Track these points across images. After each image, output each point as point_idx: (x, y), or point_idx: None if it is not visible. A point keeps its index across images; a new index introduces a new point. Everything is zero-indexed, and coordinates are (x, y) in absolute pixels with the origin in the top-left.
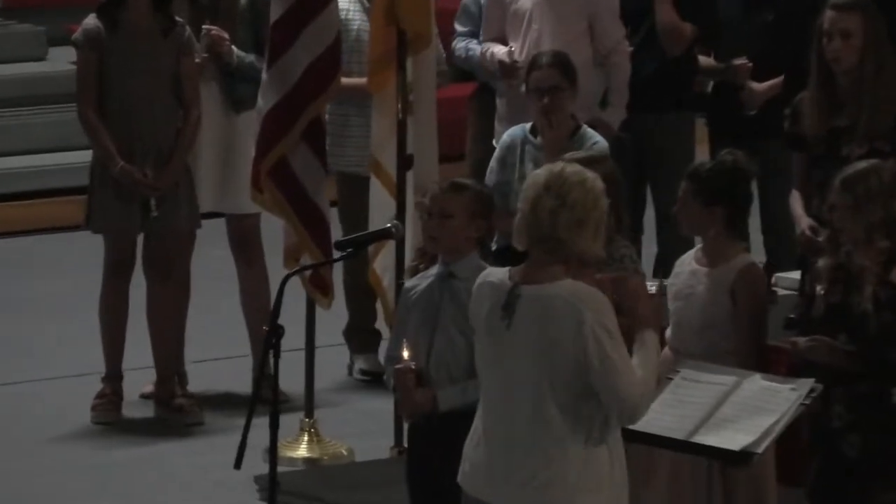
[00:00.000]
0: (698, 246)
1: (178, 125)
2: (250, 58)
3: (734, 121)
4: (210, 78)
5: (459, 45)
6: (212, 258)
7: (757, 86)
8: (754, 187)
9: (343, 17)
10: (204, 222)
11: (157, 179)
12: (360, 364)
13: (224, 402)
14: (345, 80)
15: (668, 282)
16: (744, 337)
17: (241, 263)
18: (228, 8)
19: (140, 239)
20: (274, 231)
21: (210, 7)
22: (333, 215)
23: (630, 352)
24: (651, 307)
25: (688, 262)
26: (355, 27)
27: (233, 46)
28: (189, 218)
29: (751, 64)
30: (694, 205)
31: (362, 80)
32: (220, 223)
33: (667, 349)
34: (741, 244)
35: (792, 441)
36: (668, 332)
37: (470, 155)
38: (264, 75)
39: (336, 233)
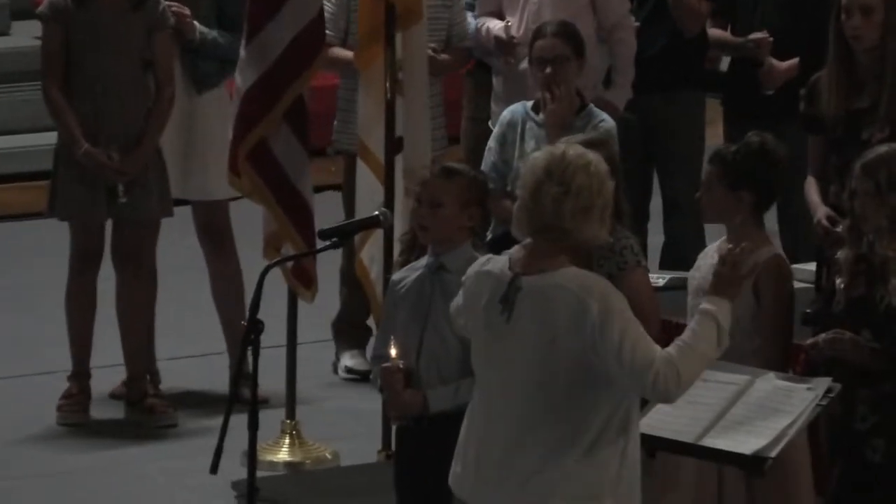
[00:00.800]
0: (723, 237)
1: (149, 105)
2: (213, 33)
3: (751, 101)
4: None
5: None
6: (182, 248)
7: (779, 64)
8: None
9: None
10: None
11: (124, 163)
12: (345, 361)
13: (199, 402)
14: (347, 53)
15: (688, 275)
16: (769, 336)
17: (210, 253)
18: None
19: (108, 227)
20: (253, 218)
21: None
22: (318, 201)
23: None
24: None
25: (710, 255)
26: None
27: (195, 22)
28: (160, 205)
29: (771, 38)
30: (719, 189)
31: None
32: (187, 210)
33: None
34: (766, 234)
35: (813, 446)
36: None
37: (465, 136)
38: (242, 52)
39: (338, 217)
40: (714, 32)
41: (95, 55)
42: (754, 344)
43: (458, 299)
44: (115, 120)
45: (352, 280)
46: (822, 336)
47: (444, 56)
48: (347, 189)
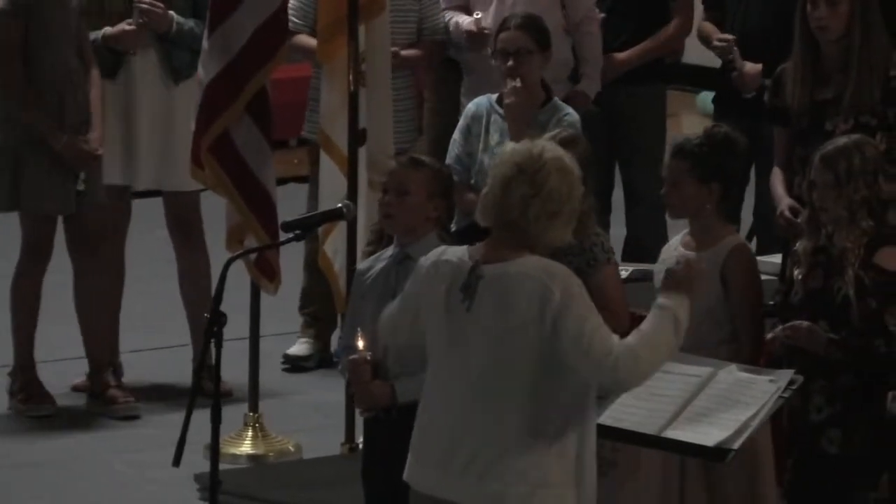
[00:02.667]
0: (685, 230)
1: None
2: (189, 23)
3: (740, 99)
4: (147, 46)
5: None
6: (152, 239)
7: (751, 66)
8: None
9: None
10: (144, 201)
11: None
12: (290, 350)
13: (162, 394)
14: (313, 41)
15: (653, 268)
16: (745, 324)
17: (180, 245)
18: None
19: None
20: (216, 211)
21: None
22: (282, 193)
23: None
24: (688, 278)
25: (674, 247)
26: None
27: (171, 12)
28: (106, 190)
29: (735, 46)
30: (690, 183)
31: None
32: (154, 202)
33: None
34: (731, 225)
35: (775, 437)
36: None
37: (428, 129)
38: (205, 43)
39: (301, 208)
40: (704, 27)
41: (53, 47)
42: (724, 332)
43: (393, 304)
44: (75, 109)
45: (313, 267)
46: (780, 328)
47: (411, 51)
48: (315, 179)
